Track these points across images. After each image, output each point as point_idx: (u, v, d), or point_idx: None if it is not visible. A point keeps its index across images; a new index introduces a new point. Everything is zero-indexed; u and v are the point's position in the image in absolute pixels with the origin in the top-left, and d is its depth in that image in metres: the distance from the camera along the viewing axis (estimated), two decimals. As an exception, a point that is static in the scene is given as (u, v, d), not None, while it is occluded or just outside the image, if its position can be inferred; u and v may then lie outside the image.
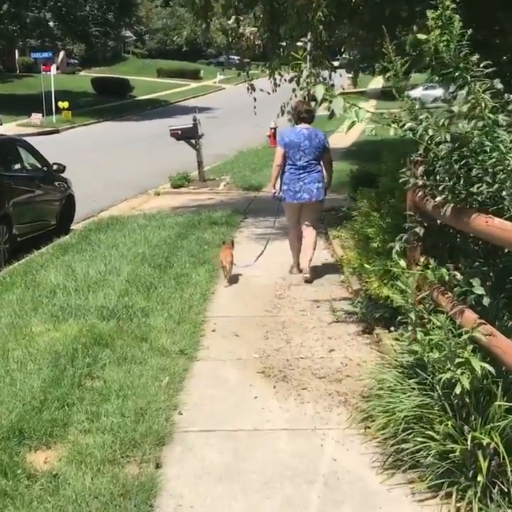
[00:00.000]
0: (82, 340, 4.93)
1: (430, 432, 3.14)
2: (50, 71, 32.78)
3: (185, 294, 6.48)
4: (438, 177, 3.80)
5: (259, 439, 3.75)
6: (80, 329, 5.20)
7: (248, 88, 9.95)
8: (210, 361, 4.91)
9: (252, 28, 10.62)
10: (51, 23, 44.52)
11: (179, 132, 15.28)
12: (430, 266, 3.45)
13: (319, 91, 3.20)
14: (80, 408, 3.92)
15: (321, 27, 8.02)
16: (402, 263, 3.77)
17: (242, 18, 10.15)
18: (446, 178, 3.68)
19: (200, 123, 15.38)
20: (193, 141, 15.35)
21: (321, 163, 7.25)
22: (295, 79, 7.98)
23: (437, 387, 3.19)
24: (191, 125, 15.28)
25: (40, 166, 10.40)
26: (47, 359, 4.61)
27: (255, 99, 9.68)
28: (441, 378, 3.08)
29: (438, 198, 3.42)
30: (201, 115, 16.82)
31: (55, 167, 10.45)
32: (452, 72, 3.31)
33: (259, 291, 6.86)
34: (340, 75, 10.09)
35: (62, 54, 59.66)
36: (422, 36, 4.01)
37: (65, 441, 3.62)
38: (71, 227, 11.14)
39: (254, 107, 9.74)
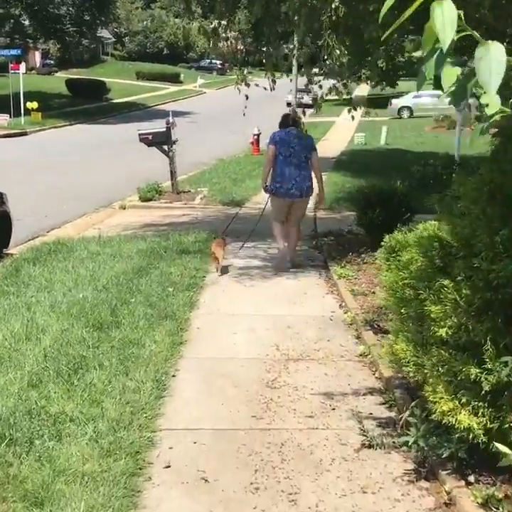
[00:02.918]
0: None
1: None
2: (18, 70, 30.33)
3: (129, 382, 4.24)
4: None
5: None
6: None
7: (236, 84, 8.25)
8: (153, 560, 2.66)
9: (234, 33, 9.15)
10: (27, 22, 41.99)
11: (150, 137, 13.11)
12: None
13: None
14: None
15: (337, 2, 5.97)
16: None
17: (224, 23, 8.36)
18: None
19: (173, 126, 13.16)
20: (165, 147, 13.15)
21: (310, 163, 7.52)
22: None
23: None
24: (164, 129, 13.08)
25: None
26: None
27: (247, 97, 8.04)
28: None
29: None
30: (180, 119, 14.62)
31: (-19, 179, 8.16)
32: None
33: (242, 374, 4.62)
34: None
35: (38, 54, 57.04)
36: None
37: None
38: (7, 252, 8.84)
39: (245, 107, 8.39)
